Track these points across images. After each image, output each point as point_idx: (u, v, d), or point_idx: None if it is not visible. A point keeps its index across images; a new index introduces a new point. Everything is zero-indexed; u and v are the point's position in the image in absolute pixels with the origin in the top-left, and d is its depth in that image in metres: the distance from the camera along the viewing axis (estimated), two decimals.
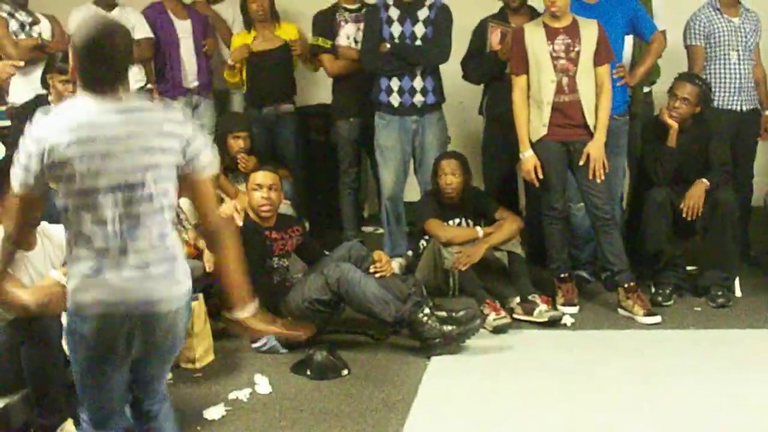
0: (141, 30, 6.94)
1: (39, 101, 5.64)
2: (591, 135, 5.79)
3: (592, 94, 5.80)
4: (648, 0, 6.66)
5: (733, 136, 6.45)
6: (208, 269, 5.34)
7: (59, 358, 4.00)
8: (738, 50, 6.51)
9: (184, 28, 7.18)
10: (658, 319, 5.70)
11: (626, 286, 5.86)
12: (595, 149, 5.75)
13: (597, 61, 5.79)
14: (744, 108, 6.58)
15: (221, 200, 6.14)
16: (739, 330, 5.59)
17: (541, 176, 5.82)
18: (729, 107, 6.55)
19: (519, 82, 5.88)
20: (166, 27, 7.14)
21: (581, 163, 5.77)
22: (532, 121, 5.85)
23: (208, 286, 5.47)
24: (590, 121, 5.78)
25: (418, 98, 6.54)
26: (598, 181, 5.78)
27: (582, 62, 5.78)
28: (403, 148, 6.66)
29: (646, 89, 6.72)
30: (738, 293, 6.17)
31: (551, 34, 5.80)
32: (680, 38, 6.70)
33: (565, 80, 5.77)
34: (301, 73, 7.48)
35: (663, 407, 4.46)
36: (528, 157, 5.84)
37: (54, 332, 4.00)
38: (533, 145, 5.85)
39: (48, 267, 4.25)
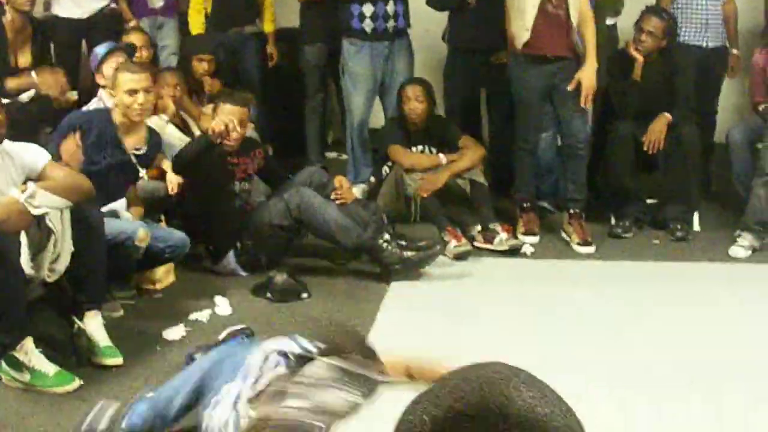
0: None
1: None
2: (574, 57, 5.76)
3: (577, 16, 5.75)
4: None
5: (698, 72, 6.46)
6: (170, 191, 5.32)
7: (18, 275, 3.99)
8: None
9: None
10: (592, 249, 5.78)
11: (571, 212, 5.92)
12: (588, 77, 5.72)
13: None
14: (710, 44, 6.59)
15: (183, 122, 6.12)
16: (696, 263, 5.67)
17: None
18: (695, 43, 6.56)
19: None
20: None
21: (570, 88, 5.73)
22: (515, 26, 5.77)
23: (170, 207, 5.47)
24: (577, 45, 5.75)
25: (391, 23, 6.48)
26: (589, 106, 5.78)
27: None
28: (374, 75, 6.63)
29: (610, 21, 6.68)
30: (697, 227, 6.23)
31: None
32: None
33: None
34: None
35: (619, 336, 4.52)
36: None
37: (13, 250, 3.99)
38: (515, 59, 5.79)
39: (9, 185, 4.23)
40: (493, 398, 1.01)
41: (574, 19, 5.71)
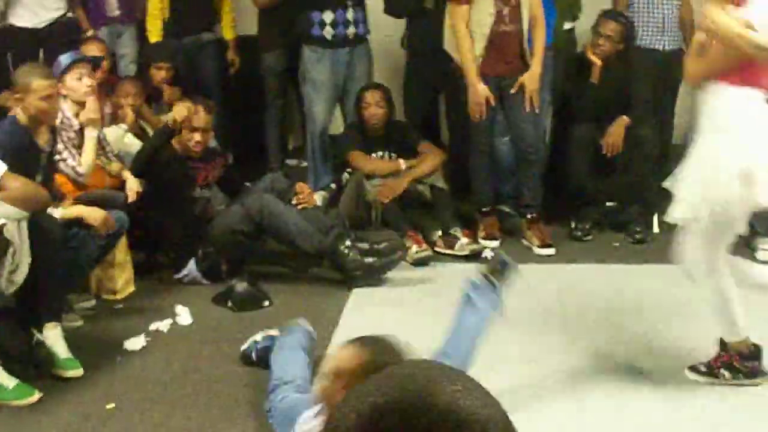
0: None
1: None
2: (525, 68, 5.79)
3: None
4: None
5: (655, 75, 6.51)
6: (130, 199, 5.30)
7: None
8: None
9: None
10: (552, 251, 5.81)
11: (529, 217, 5.96)
12: (531, 80, 5.75)
13: None
14: (668, 47, 6.63)
15: (142, 130, 6.10)
16: (656, 265, 5.69)
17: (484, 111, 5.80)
18: (652, 46, 6.60)
19: (461, 12, 5.72)
20: None
21: (512, 91, 5.76)
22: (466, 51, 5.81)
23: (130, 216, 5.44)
24: (527, 54, 5.78)
25: (351, 30, 6.50)
26: (536, 110, 5.80)
27: None
28: (335, 82, 6.63)
29: (568, 26, 6.72)
30: (656, 229, 6.27)
31: None
32: None
33: (506, 10, 5.72)
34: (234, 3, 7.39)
35: (577, 339, 4.54)
36: (481, 90, 5.71)
37: None
38: (462, 77, 5.82)
39: None
40: (416, 392, 1.02)
41: (525, 29, 5.75)
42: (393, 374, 1.07)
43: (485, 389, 1.07)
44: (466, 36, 5.75)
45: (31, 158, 4.71)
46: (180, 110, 5.35)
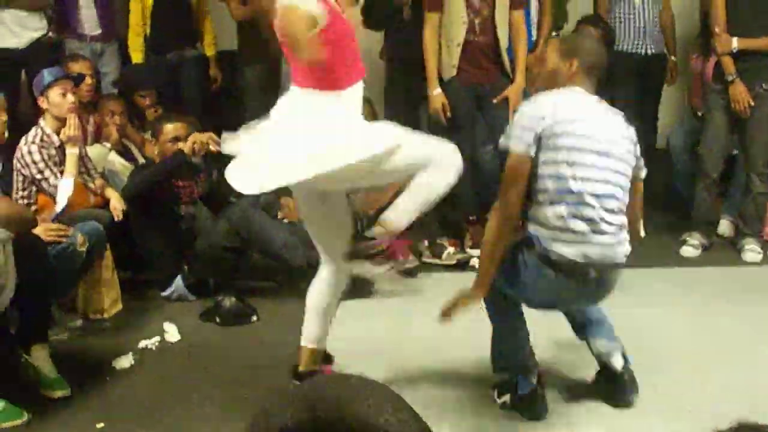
0: None
1: None
2: (502, 77, 5.82)
3: (506, 38, 5.81)
4: None
5: (637, 79, 6.53)
6: (116, 218, 5.29)
7: None
8: None
9: None
10: None
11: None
12: (515, 93, 5.78)
13: (512, 5, 5.81)
14: (649, 52, 6.66)
15: (125, 148, 6.09)
16: (641, 269, 5.70)
17: (449, 115, 5.84)
18: (633, 51, 6.62)
19: (431, 20, 5.85)
20: None
21: (495, 101, 5.79)
22: (442, 60, 5.85)
23: (116, 234, 5.42)
24: (506, 63, 5.82)
25: None
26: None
27: (499, 4, 5.76)
28: None
29: (553, 34, 6.75)
30: (642, 233, 6.27)
31: None
32: None
33: (478, 20, 5.76)
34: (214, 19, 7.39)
35: (568, 344, 4.53)
36: (436, 95, 5.84)
37: None
38: (442, 85, 5.86)
39: None
40: (334, 405, 1.02)
41: (503, 41, 5.77)
42: (316, 386, 1.07)
43: (405, 404, 1.06)
44: (431, 43, 5.86)
45: None
46: (188, 146, 5.34)
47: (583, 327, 4.05)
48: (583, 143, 3.57)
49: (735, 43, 5.82)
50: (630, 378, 3.97)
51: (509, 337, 3.97)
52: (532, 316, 3.98)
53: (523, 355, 3.94)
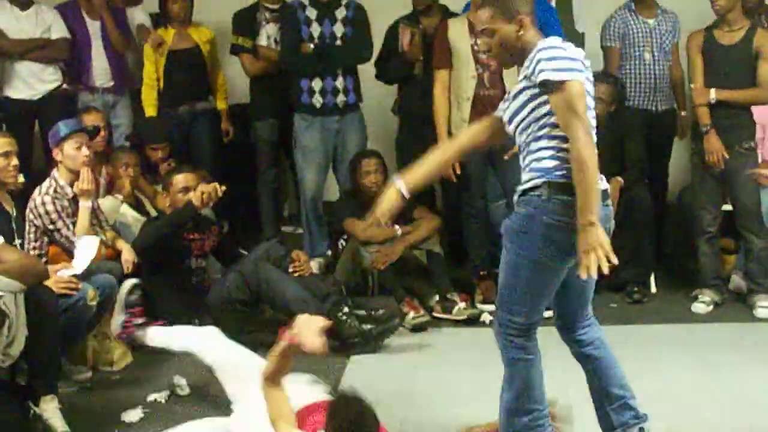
0: (58, 29, 6.86)
1: None
2: None
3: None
4: (568, 2, 6.75)
5: (648, 135, 6.54)
6: (126, 270, 5.30)
7: None
8: (652, 51, 6.59)
9: (96, 28, 7.07)
10: (549, 313, 5.75)
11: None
12: None
13: None
14: (659, 108, 6.68)
15: (137, 201, 6.11)
16: (654, 325, 5.69)
17: (459, 173, 5.85)
18: (644, 107, 6.64)
19: (440, 77, 5.92)
20: (79, 26, 7.04)
21: (506, 158, 5.79)
22: (453, 117, 5.88)
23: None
24: None
25: (341, 98, 6.54)
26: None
27: None
28: (326, 149, 6.67)
29: None
30: (653, 289, 6.28)
31: (474, 29, 5.85)
32: (599, 40, 6.78)
33: (486, 74, 5.80)
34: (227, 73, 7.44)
35: (578, 400, 4.50)
36: None
37: None
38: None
39: None
40: None
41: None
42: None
43: None
44: (441, 99, 5.93)
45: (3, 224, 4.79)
46: (197, 196, 5.36)
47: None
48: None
49: (713, 93, 5.84)
50: None
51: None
52: None
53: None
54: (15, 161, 5.04)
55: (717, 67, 5.92)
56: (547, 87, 3.32)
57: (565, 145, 3.35)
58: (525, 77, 3.48)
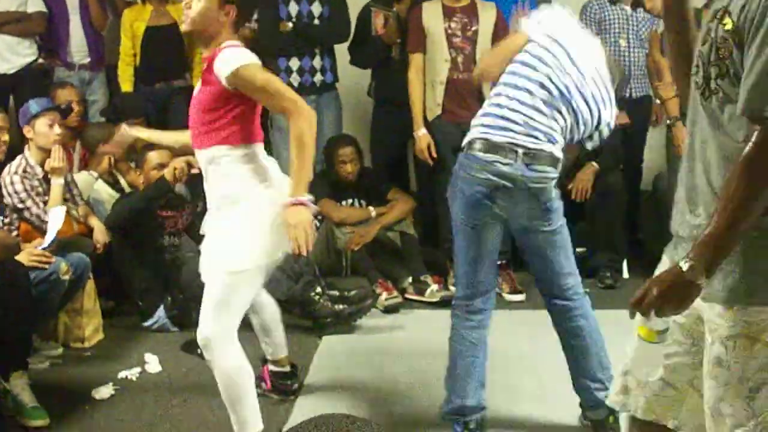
0: (34, 3, 6.81)
1: None
2: None
3: None
4: None
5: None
6: (98, 250, 5.30)
7: None
8: (628, 38, 6.60)
9: (74, 3, 7.03)
10: (522, 297, 5.84)
11: (498, 263, 5.98)
12: None
13: (493, 42, 5.85)
14: (634, 95, 6.69)
15: (113, 177, 6.09)
16: (626, 310, 5.69)
17: (435, 155, 5.86)
18: (619, 94, 6.64)
19: (415, 60, 5.95)
20: (58, 1, 6.98)
21: None
22: (427, 100, 5.90)
23: (99, 263, 5.41)
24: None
25: (318, 77, 6.52)
26: None
27: (481, 42, 5.83)
28: None
29: None
30: (626, 275, 6.30)
31: (448, 13, 5.87)
32: None
33: (460, 58, 5.82)
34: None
35: (549, 384, 4.53)
36: (421, 136, 5.90)
37: None
38: (427, 125, 5.90)
39: None
40: None
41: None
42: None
43: None
44: (415, 83, 5.98)
45: None
46: (170, 172, 5.32)
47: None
48: None
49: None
50: None
51: None
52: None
53: None
54: (5, 137, 5.02)
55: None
56: None
57: None
58: None
